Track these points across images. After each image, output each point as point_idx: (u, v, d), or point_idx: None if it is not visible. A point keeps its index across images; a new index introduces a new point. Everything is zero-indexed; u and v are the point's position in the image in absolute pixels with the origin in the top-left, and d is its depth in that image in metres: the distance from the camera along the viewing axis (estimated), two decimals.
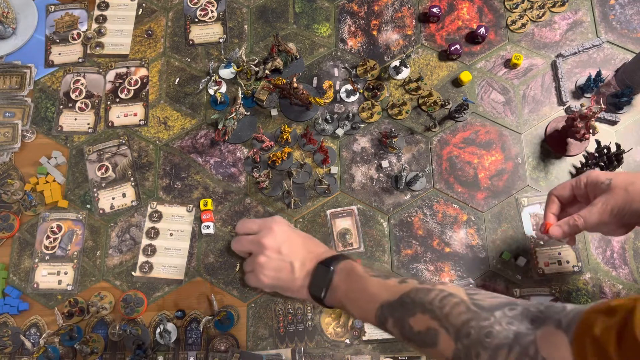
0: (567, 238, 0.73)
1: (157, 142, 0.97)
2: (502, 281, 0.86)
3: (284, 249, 0.75)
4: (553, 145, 0.93)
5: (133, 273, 0.89)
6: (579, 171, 0.91)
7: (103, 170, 0.95)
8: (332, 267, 0.70)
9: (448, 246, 0.88)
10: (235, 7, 1.06)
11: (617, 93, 0.94)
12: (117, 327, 0.86)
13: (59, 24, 1.07)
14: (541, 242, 0.88)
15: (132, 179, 0.95)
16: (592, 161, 0.89)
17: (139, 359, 0.82)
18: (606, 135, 0.93)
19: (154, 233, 0.91)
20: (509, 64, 0.98)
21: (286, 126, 0.94)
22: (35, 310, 0.88)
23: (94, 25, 1.06)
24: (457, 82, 0.98)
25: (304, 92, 0.92)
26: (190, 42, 1.04)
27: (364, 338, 0.84)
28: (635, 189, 0.67)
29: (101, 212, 0.93)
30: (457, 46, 0.98)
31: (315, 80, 1.00)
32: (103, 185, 0.95)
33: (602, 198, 0.69)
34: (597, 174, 0.71)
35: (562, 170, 0.92)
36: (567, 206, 0.75)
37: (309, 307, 0.86)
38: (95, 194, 0.94)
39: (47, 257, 0.90)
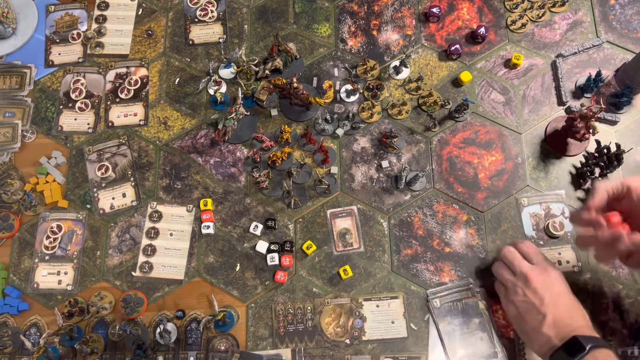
0: (613, 259, 0.72)
1: (157, 142, 0.97)
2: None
3: (547, 298, 0.71)
4: (553, 145, 0.93)
5: (133, 273, 0.89)
6: (579, 171, 0.91)
7: (103, 170, 0.95)
8: (588, 348, 0.65)
9: (448, 246, 0.88)
10: (235, 7, 1.06)
11: (617, 93, 0.94)
12: (117, 327, 0.86)
13: (59, 24, 1.07)
14: (541, 242, 0.88)
15: (132, 179, 0.95)
16: (592, 161, 0.89)
17: (139, 359, 0.82)
18: (606, 135, 0.93)
19: (154, 233, 0.91)
20: (509, 64, 0.98)
21: (286, 126, 0.94)
22: (35, 310, 0.88)
23: (94, 25, 1.06)
24: (457, 82, 0.98)
25: (304, 92, 0.92)
26: (190, 42, 1.04)
27: (364, 338, 0.84)
28: None
29: (101, 212, 0.93)
30: (457, 46, 0.98)
31: (315, 80, 1.00)
32: (103, 185, 0.95)
33: None
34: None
35: (562, 170, 0.92)
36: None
37: (309, 307, 0.86)
38: (95, 194, 0.94)
39: (47, 257, 0.90)
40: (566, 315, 0.71)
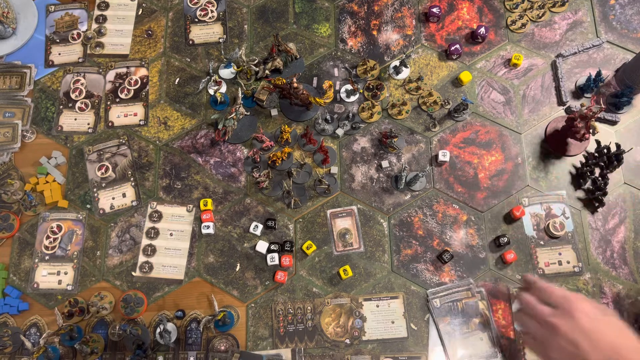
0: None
1: (157, 142, 0.97)
2: (502, 281, 0.86)
3: (584, 344, 0.62)
4: (553, 145, 0.93)
5: (133, 273, 0.89)
6: (579, 171, 0.91)
7: (103, 170, 0.95)
8: None
9: (448, 246, 0.88)
10: (235, 7, 1.06)
11: (617, 93, 0.94)
12: (117, 327, 0.86)
13: (59, 24, 1.07)
14: (541, 242, 0.88)
15: (132, 179, 0.95)
16: (592, 161, 0.89)
17: (139, 359, 0.82)
18: (606, 135, 0.93)
19: (154, 233, 0.91)
20: (509, 64, 0.98)
21: (286, 126, 0.94)
22: (35, 310, 0.88)
23: (94, 25, 1.06)
24: (457, 82, 0.98)
25: (304, 92, 0.92)
26: (190, 42, 1.04)
27: (364, 338, 0.84)
28: None
29: (101, 212, 0.93)
30: (457, 46, 0.98)
31: (315, 80, 1.00)
32: (103, 185, 0.95)
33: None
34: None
35: (562, 170, 0.92)
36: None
37: (309, 307, 0.86)
38: (95, 194, 0.94)
39: (47, 257, 0.90)
40: (612, 352, 0.62)
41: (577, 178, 0.91)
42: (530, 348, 0.75)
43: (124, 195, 0.94)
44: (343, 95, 0.98)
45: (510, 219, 0.89)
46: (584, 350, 0.62)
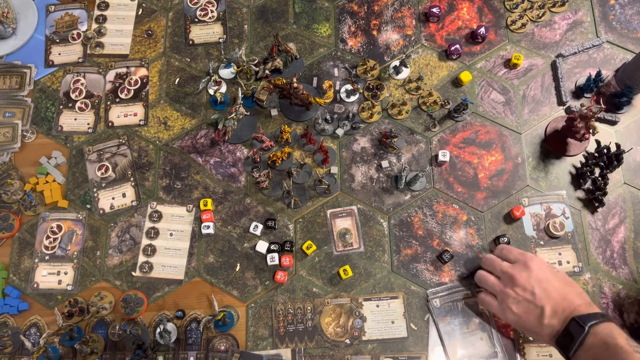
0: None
1: (157, 142, 0.97)
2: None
3: (538, 291, 0.72)
4: (553, 145, 0.93)
5: (133, 273, 0.89)
6: (579, 171, 0.91)
7: (103, 170, 0.95)
8: (587, 327, 0.66)
9: (448, 246, 0.88)
10: (235, 7, 1.06)
11: (617, 93, 0.94)
12: (117, 327, 0.86)
13: (59, 24, 1.07)
14: (541, 242, 0.88)
15: (132, 179, 0.95)
16: (592, 161, 0.89)
17: (139, 359, 0.82)
18: (606, 135, 0.93)
19: (154, 233, 0.91)
20: (509, 64, 0.98)
21: (286, 126, 0.94)
22: (35, 310, 0.88)
23: (94, 25, 1.06)
24: (457, 82, 0.98)
25: (304, 92, 0.92)
26: (190, 42, 1.04)
27: (364, 338, 0.84)
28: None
29: (101, 212, 0.93)
30: (457, 46, 0.98)
31: (315, 80, 1.00)
32: (103, 185, 0.95)
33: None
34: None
35: (562, 170, 0.92)
36: None
37: (309, 307, 0.86)
38: (95, 194, 0.94)
39: (47, 257, 0.90)
40: (561, 299, 0.71)
41: (577, 178, 0.91)
42: (487, 306, 0.79)
43: (124, 195, 0.94)
44: (343, 95, 0.98)
45: (510, 219, 0.89)
46: (538, 296, 0.72)
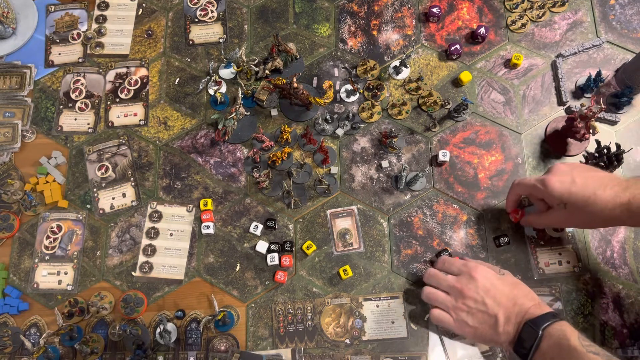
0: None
1: (157, 142, 0.97)
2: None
3: (488, 300, 0.72)
4: (553, 145, 0.93)
5: (133, 273, 0.89)
6: None
7: (103, 170, 0.95)
8: (540, 330, 0.66)
9: (448, 246, 0.88)
10: (235, 7, 1.06)
11: (617, 93, 0.94)
12: (117, 327, 0.86)
13: (59, 24, 1.07)
14: (541, 242, 0.88)
15: (132, 179, 0.95)
16: (592, 161, 0.89)
17: (139, 359, 0.82)
18: (606, 135, 0.93)
19: (154, 233, 0.91)
20: (509, 64, 0.98)
21: (286, 126, 0.94)
22: (35, 310, 0.88)
23: (94, 25, 1.06)
24: (457, 82, 0.98)
25: (304, 92, 0.92)
26: (190, 42, 1.04)
27: (364, 338, 0.84)
28: (592, 209, 0.72)
29: (101, 212, 0.93)
30: (457, 46, 0.98)
31: (315, 80, 1.00)
32: (103, 185, 0.95)
33: (560, 214, 0.76)
34: (554, 189, 0.74)
35: None
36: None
37: (309, 307, 0.86)
38: (95, 194, 0.94)
39: (47, 257, 0.90)
40: (512, 304, 0.71)
41: None
42: (443, 323, 0.77)
43: (124, 195, 0.94)
44: (343, 95, 0.98)
45: (510, 219, 0.89)
46: (490, 306, 0.72)
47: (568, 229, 0.88)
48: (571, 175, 0.74)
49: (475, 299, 0.73)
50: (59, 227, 0.92)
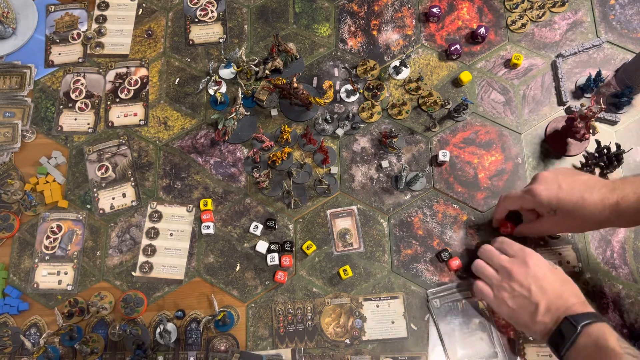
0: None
1: (157, 142, 0.97)
2: None
3: (534, 288, 0.73)
4: (553, 145, 0.93)
5: (133, 273, 0.89)
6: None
7: (103, 170, 0.95)
8: (579, 327, 0.66)
9: (448, 246, 0.88)
10: (235, 7, 1.06)
11: (617, 93, 0.94)
12: (117, 327, 0.86)
13: (59, 24, 1.07)
14: (541, 242, 0.88)
15: (132, 179, 0.95)
16: (592, 161, 0.89)
17: (139, 359, 0.82)
18: (606, 135, 0.93)
19: (154, 233, 0.91)
20: (509, 64, 0.98)
21: (286, 126, 0.94)
22: (35, 310, 0.88)
23: (94, 25, 1.06)
24: (457, 82, 0.98)
25: (304, 92, 0.92)
26: (190, 42, 1.04)
27: (364, 338, 0.84)
28: (582, 213, 0.72)
29: (101, 212, 0.93)
30: (457, 46, 0.98)
31: (315, 80, 1.00)
32: (103, 185, 0.95)
33: (551, 221, 0.78)
34: (542, 197, 0.75)
35: None
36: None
37: (309, 307, 0.86)
38: (95, 194, 0.94)
39: (47, 257, 0.90)
40: (556, 297, 0.71)
41: None
42: (482, 296, 0.80)
43: (124, 195, 0.94)
44: (343, 95, 0.98)
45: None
46: (534, 293, 0.72)
47: None
48: (557, 182, 0.75)
49: (521, 284, 0.74)
50: (59, 227, 0.92)
